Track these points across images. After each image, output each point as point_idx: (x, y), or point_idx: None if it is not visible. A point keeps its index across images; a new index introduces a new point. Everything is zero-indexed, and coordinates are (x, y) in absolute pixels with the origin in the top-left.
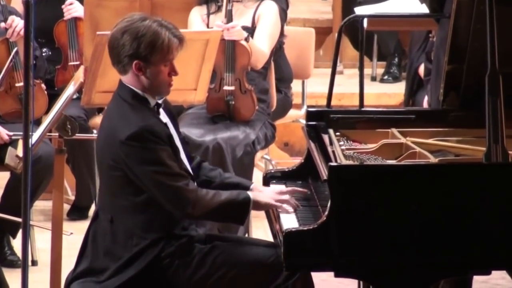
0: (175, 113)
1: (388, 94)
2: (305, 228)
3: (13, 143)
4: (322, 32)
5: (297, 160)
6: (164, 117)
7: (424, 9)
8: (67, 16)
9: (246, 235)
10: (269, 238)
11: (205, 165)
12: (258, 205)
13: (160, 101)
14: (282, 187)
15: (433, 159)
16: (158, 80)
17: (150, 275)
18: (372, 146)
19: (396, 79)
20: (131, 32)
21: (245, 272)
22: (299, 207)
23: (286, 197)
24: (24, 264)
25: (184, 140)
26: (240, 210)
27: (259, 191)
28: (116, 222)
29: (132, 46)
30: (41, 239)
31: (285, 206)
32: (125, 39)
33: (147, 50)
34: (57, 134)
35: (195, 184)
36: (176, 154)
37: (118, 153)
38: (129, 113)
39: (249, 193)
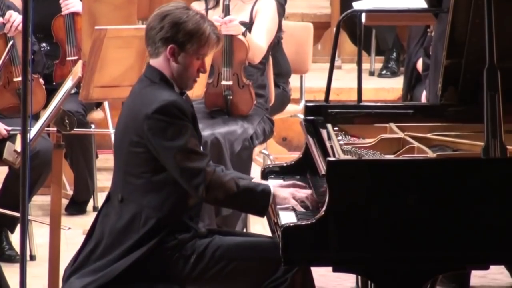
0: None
1: (386, 89)
2: (303, 223)
3: (11, 138)
4: (320, 26)
5: (295, 155)
6: None
7: (422, 3)
8: (65, 11)
9: (245, 230)
10: (267, 233)
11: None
12: (277, 199)
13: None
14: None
15: (431, 154)
16: (187, 71)
17: (149, 267)
18: (370, 140)
19: (394, 74)
20: (173, 16)
21: (244, 266)
22: (316, 207)
23: (305, 194)
24: (22, 259)
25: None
26: (261, 200)
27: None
28: (126, 201)
29: (171, 30)
30: (40, 234)
31: (300, 206)
32: (166, 22)
33: (185, 37)
34: (55, 129)
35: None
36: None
37: (142, 127)
38: (156, 90)
39: (270, 185)
